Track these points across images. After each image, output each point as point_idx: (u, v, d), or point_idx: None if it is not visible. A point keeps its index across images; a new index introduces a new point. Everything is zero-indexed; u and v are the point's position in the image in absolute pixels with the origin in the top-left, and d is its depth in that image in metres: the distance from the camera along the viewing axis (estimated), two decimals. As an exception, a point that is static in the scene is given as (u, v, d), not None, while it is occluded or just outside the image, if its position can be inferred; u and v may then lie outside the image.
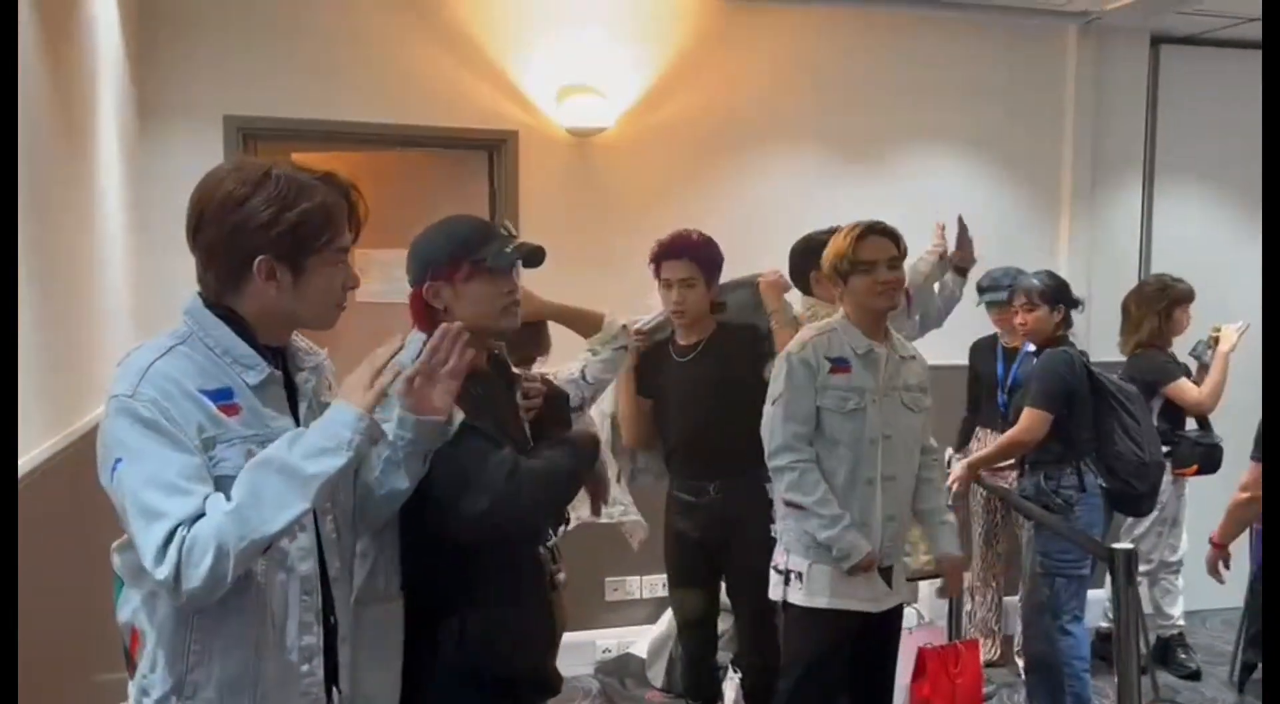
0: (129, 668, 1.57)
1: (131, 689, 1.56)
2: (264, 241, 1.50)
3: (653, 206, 4.25)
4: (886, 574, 2.73)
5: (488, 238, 1.95)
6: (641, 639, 4.12)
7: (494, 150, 4.13)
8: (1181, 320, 4.11)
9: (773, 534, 2.81)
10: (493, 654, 1.91)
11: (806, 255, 3.12)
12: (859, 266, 2.65)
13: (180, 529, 1.37)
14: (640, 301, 4.10)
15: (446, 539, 1.85)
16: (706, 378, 3.02)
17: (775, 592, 2.77)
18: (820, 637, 2.70)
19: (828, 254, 2.73)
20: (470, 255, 1.92)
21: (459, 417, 1.78)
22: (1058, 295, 3.50)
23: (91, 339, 2.80)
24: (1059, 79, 4.67)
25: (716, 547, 3.09)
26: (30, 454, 2.06)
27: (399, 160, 4.29)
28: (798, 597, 2.69)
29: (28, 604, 1.76)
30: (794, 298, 3.23)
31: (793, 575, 2.71)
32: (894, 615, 2.82)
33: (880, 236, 2.69)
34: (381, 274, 4.26)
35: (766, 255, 4.34)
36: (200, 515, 1.39)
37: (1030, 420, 3.37)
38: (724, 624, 3.80)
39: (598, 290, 4.16)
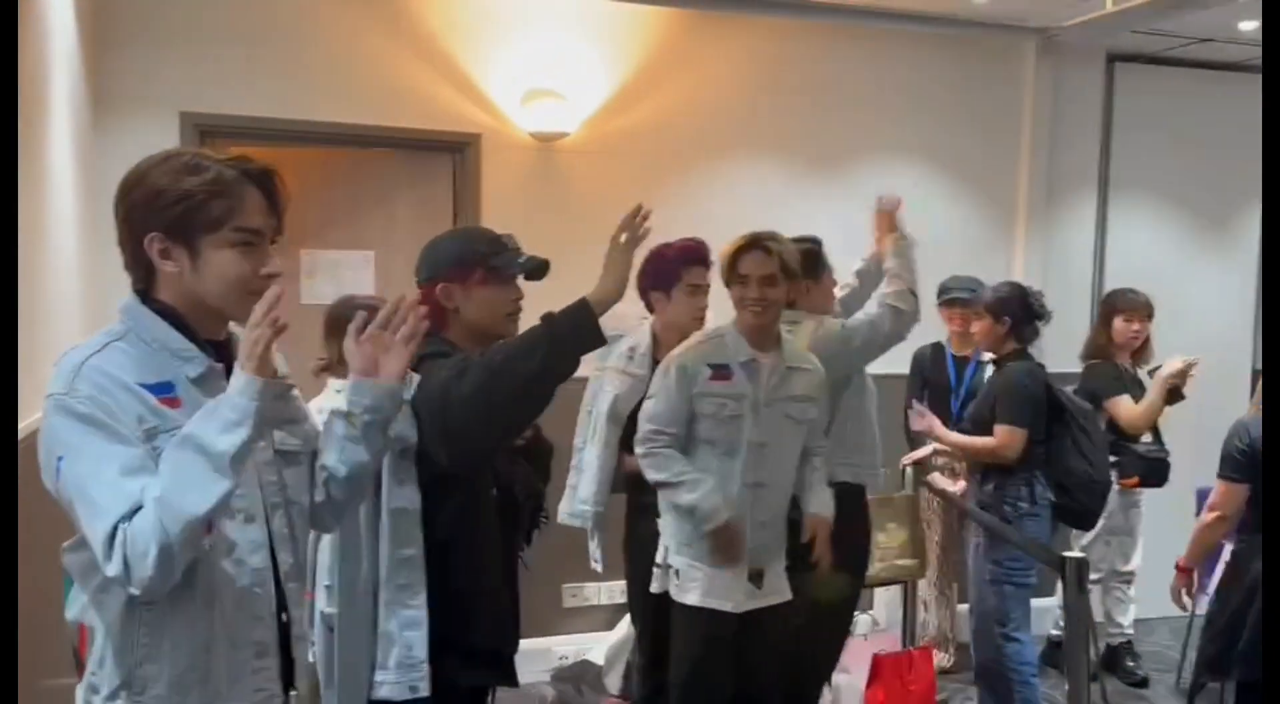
0: (78, 669, 1.55)
1: (79, 690, 1.54)
2: (152, 218, 1.50)
3: (614, 212, 4.18)
4: (758, 577, 2.74)
5: (501, 247, 2.13)
6: (599, 646, 4.11)
7: (457, 153, 4.11)
8: (1123, 331, 4.14)
9: (658, 529, 2.83)
10: (477, 624, 2.08)
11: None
12: (735, 278, 2.71)
13: (122, 524, 1.37)
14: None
15: (441, 479, 1.97)
16: None
17: (656, 585, 2.82)
18: (697, 634, 2.73)
19: (720, 258, 2.78)
20: (485, 262, 2.09)
21: (415, 380, 1.85)
22: (1006, 307, 3.51)
23: (40, 338, 2.74)
24: (1016, 94, 4.74)
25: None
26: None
27: (359, 161, 4.24)
28: (675, 592, 2.75)
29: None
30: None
31: (672, 571, 2.75)
32: (771, 617, 2.79)
33: (760, 252, 2.70)
34: (330, 275, 4.20)
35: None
36: (139, 507, 1.38)
37: (1008, 438, 3.37)
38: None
39: (557, 295, 4.15)
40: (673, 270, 3.02)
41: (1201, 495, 4.25)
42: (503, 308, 2.13)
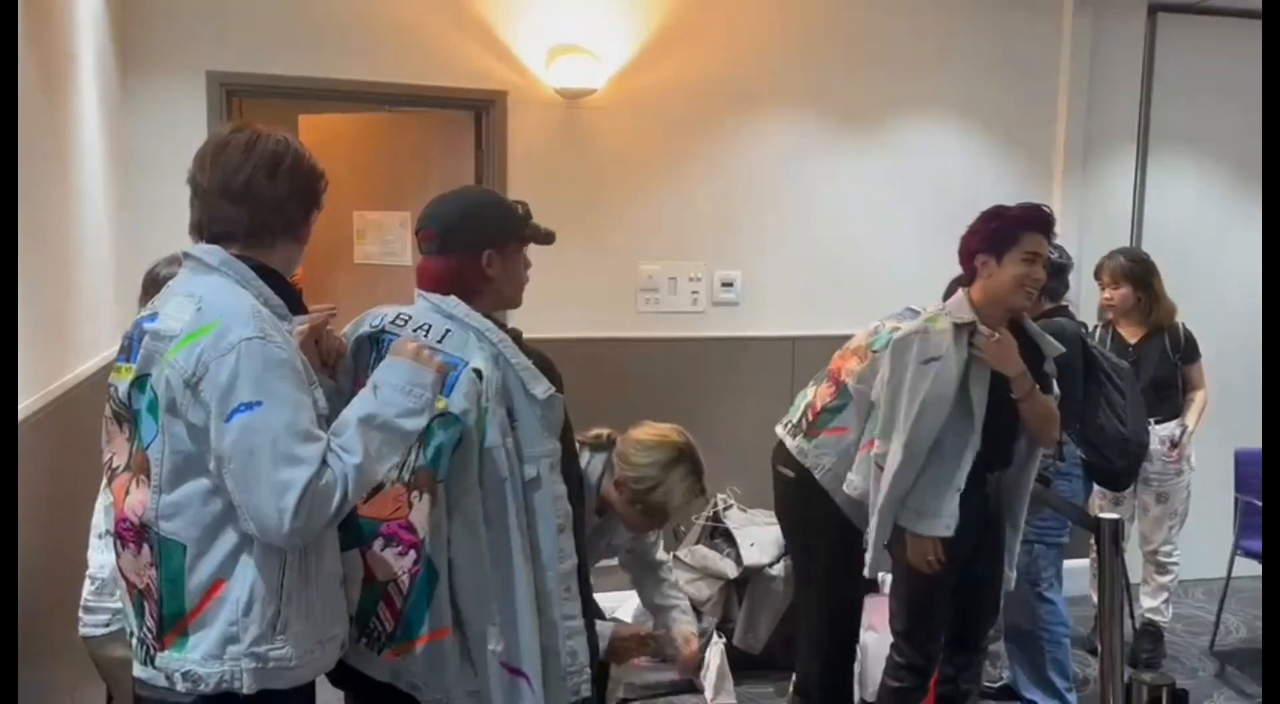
0: (174, 633, 1.56)
1: (189, 648, 1.55)
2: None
3: (642, 169, 4.22)
4: None
5: (527, 215, 2.03)
6: (627, 604, 4.13)
7: (483, 110, 4.07)
8: (1100, 296, 4.09)
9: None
10: None
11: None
12: None
13: (314, 478, 1.48)
14: (634, 267, 4.10)
15: None
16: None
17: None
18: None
19: None
20: (520, 230, 1.99)
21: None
22: None
23: (72, 295, 2.76)
24: (1054, 46, 4.62)
25: (977, 534, 2.87)
26: (10, 413, 2.02)
27: (385, 120, 4.23)
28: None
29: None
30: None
31: None
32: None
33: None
34: (376, 236, 4.21)
35: (756, 220, 4.35)
36: (324, 463, 1.50)
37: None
38: (709, 590, 3.81)
39: (585, 254, 4.15)
40: (1010, 231, 2.68)
41: (1240, 457, 4.19)
42: (523, 279, 2.04)
